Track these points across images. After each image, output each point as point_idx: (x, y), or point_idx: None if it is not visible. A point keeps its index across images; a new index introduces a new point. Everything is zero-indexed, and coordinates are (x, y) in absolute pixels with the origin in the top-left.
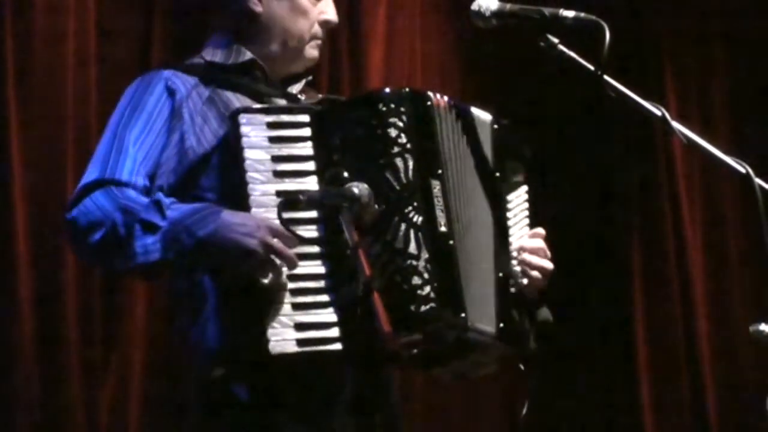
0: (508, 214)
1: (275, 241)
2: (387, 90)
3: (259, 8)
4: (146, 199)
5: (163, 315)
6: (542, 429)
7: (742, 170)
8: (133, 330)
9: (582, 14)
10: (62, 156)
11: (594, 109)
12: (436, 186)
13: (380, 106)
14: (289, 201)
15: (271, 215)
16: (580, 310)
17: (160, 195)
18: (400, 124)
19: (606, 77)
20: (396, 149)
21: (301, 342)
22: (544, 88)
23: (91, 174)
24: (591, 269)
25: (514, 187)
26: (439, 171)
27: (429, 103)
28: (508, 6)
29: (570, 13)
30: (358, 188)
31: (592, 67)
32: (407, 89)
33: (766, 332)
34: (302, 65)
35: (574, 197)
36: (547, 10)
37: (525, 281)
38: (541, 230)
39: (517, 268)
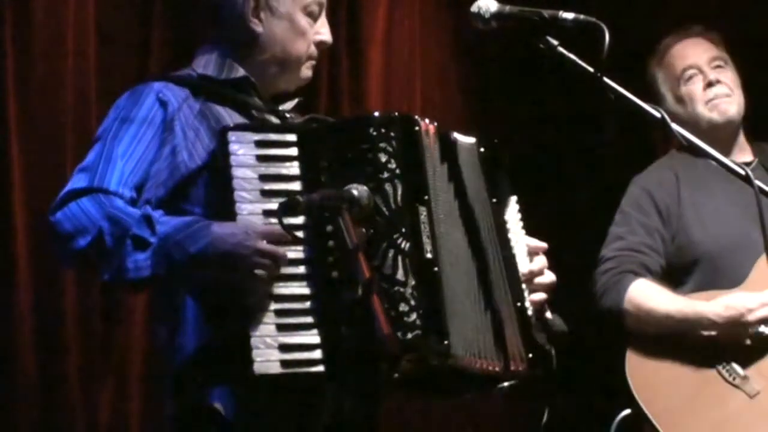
0: (509, 235)
1: (266, 245)
2: (376, 114)
3: (259, 28)
4: (136, 211)
5: None
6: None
7: (742, 172)
8: (133, 331)
9: (581, 16)
10: (62, 159)
11: (594, 110)
12: (422, 212)
13: (370, 130)
14: (288, 204)
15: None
16: (578, 317)
17: (148, 209)
18: (390, 149)
19: (605, 79)
20: (386, 174)
21: (284, 363)
22: (545, 91)
23: (78, 181)
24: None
25: (505, 201)
26: (426, 197)
27: (417, 128)
28: (508, 8)
29: (569, 15)
30: (358, 190)
31: (591, 69)
32: (396, 113)
33: (765, 333)
34: (295, 84)
35: (572, 199)
36: (546, 12)
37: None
38: (543, 245)
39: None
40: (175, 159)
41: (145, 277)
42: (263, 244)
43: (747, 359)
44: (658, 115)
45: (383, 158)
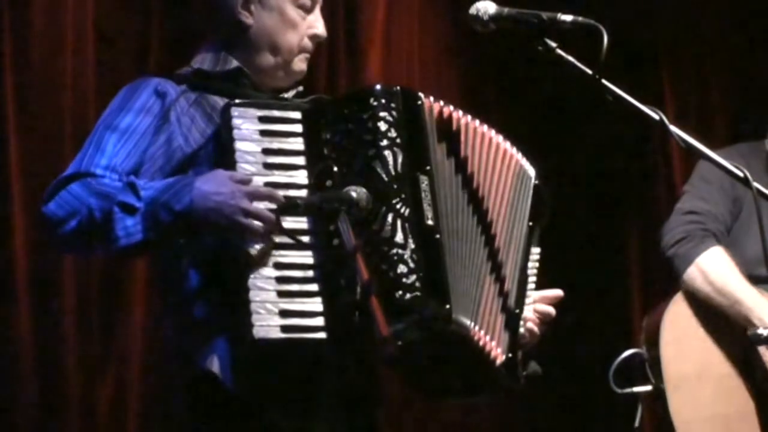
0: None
1: (252, 205)
2: (378, 86)
3: (249, 20)
4: (119, 182)
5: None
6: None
7: (740, 174)
8: (132, 330)
9: (580, 18)
10: (60, 159)
11: (593, 114)
12: (424, 181)
13: (371, 101)
14: (287, 206)
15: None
16: (577, 313)
17: (131, 177)
18: (390, 118)
19: (604, 81)
20: (386, 142)
21: (285, 328)
22: (543, 93)
23: (67, 171)
24: (589, 272)
25: (534, 238)
26: (428, 167)
27: (419, 102)
28: (506, 10)
29: (568, 17)
30: (357, 192)
31: (590, 71)
32: (397, 87)
33: (764, 335)
34: (290, 79)
35: (572, 200)
36: (544, 14)
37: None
38: (560, 293)
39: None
40: (171, 146)
41: (137, 242)
42: (248, 204)
43: None
44: (656, 116)
45: (383, 127)
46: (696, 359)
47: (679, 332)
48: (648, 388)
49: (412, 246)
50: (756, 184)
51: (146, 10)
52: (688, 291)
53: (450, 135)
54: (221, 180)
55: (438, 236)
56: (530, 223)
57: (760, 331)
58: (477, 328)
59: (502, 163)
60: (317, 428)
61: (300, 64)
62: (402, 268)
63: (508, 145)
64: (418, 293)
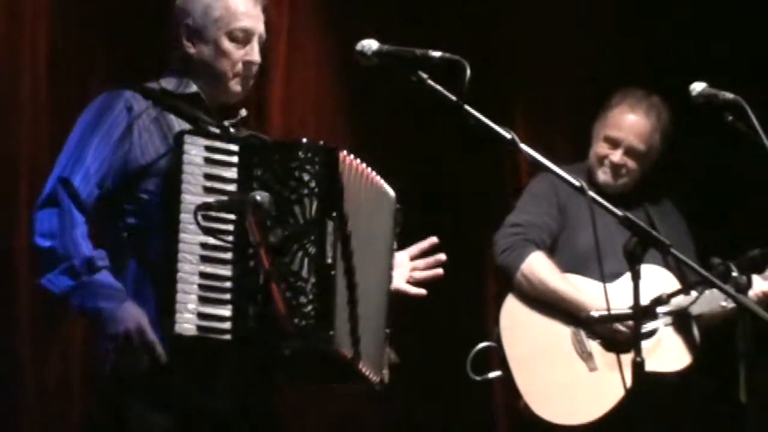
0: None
1: (137, 338)
2: (305, 141)
3: (192, 50)
4: (86, 252)
5: None
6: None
7: (577, 185)
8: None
9: (447, 54)
10: (15, 190)
11: (462, 141)
12: (330, 225)
13: (299, 153)
14: (204, 205)
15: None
16: (433, 328)
17: (95, 255)
18: (312, 170)
19: (466, 107)
20: (305, 190)
21: (199, 328)
22: (423, 123)
23: (54, 173)
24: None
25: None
26: (334, 214)
27: (337, 156)
28: (386, 47)
29: (437, 53)
30: (261, 196)
31: (454, 98)
32: (322, 143)
33: (596, 316)
34: (229, 97)
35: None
36: (418, 51)
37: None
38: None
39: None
40: (129, 156)
41: (54, 294)
42: (142, 347)
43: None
44: (508, 136)
45: (306, 177)
46: (530, 342)
47: (514, 321)
48: (499, 373)
49: (313, 280)
50: (591, 193)
51: (97, 36)
52: (518, 292)
53: (354, 188)
54: (135, 318)
55: (333, 273)
56: (396, 248)
57: (593, 313)
58: (352, 350)
59: (380, 201)
60: (219, 405)
61: (235, 86)
62: (302, 298)
63: (385, 185)
64: (311, 321)
